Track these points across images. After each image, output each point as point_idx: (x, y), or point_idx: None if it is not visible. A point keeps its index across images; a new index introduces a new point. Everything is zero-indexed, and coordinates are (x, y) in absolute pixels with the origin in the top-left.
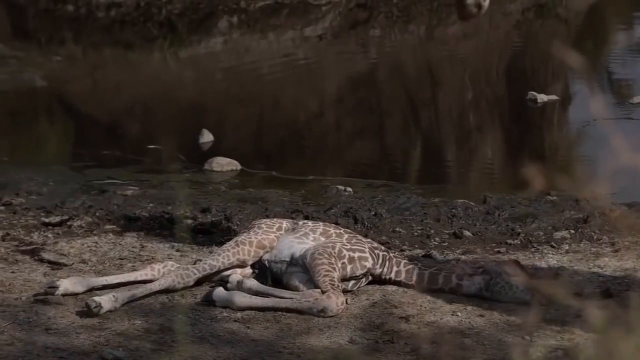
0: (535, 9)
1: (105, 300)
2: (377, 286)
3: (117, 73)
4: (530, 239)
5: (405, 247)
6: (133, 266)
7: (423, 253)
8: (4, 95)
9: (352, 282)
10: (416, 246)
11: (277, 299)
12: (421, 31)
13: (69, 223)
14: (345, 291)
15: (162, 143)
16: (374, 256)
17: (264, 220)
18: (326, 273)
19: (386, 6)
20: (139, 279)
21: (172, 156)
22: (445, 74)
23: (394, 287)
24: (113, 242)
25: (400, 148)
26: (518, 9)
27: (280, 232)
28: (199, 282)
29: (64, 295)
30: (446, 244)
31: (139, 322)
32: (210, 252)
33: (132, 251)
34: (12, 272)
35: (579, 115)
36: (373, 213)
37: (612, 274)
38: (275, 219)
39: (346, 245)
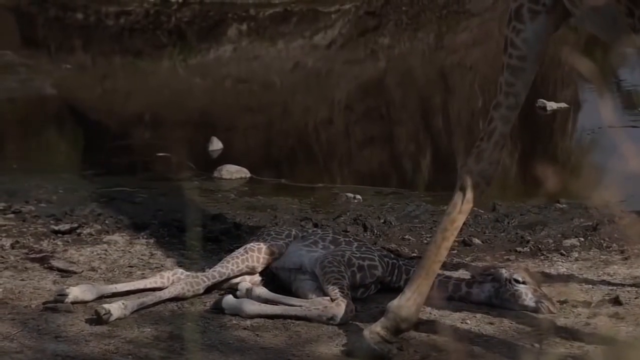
0: None
1: (115, 308)
2: (387, 294)
3: (126, 81)
4: (540, 246)
5: (414, 255)
6: (142, 274)
7: None
8: (14, 103)
9: (361, 290)
10: None
11: (287, 307)
12: (430, 39)
13: (78, 231)
14: (354, 299)
15: (171, 151)
16: (384, 264)
17: (273, 227)
18: (335, 281)
19: (395, 14)
20: (149, 286)
21: (181, 164)
22: (454, 81)
23: None
24: (122, 250)
25: (409, 156)
26: None
27: (289, 240)
28: (208, 290)
29: (73, 303)
30: (455, 251)
31: (149, 329)
32: (220, 260)
33: (141, 259)
34: (22, 280)
35: (589, 123)
36: (382, 221)
37: (621, 282)
38: (284, 227)
39: (356, 254)
